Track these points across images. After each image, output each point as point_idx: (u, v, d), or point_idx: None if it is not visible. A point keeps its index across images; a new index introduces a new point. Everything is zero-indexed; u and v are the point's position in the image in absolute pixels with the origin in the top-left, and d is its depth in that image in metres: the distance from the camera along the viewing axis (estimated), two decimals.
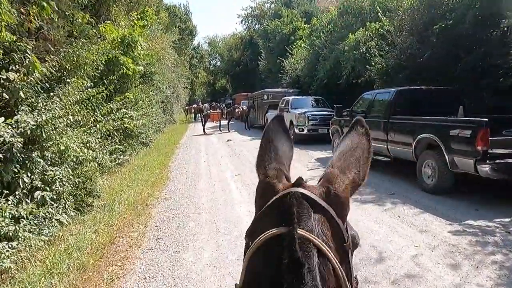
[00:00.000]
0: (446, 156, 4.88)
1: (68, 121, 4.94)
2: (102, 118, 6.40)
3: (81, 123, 5.75)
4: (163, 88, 14.85)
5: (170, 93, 19.25)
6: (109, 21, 8.06)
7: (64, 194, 4.59)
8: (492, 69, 7.02)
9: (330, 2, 21.36)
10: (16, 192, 3.68)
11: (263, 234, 0.54)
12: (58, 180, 4.60)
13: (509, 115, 5.68)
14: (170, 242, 4.05)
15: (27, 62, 4.20)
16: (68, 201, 4.78)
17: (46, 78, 4.88)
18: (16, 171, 3.90)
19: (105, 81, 6.42)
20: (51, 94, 4.84)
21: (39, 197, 4.21)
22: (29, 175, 4.11)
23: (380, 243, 3.57)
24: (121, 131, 7.63)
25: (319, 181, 0.64)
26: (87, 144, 5.36)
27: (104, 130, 6.28)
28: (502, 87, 6.70)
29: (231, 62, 45.09)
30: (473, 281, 2.82)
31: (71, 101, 5.13)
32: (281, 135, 0.76)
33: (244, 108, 19.49)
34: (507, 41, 6.90)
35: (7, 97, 4.02)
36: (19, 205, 3.87)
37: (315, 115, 11.82)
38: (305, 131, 11.52)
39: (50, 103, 4.70)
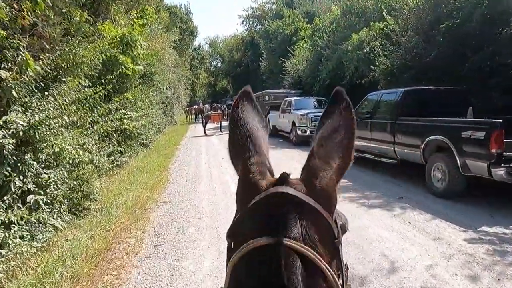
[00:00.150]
0: (458, 159, 4.67)
1: (64, 122, 4.76)
2: (100, 119, 6.21)
3: (78, 124, 5.57)
4: (163, 89, 14.70)
5: (171, 94, 19.11)
6: (108, 20, 7.88)
7: (58, 197, 4.40)
8: (501, 68, 6.83)
9: (332, 2, 21.17)
10: (5, 197, 3.48)
11: (247, 244, 0.51)
12: (53, 183, 4.42)
13: None
14: (169, 249, 3.85)
15: (19, 60, 4.01)
16: (63, 205, 4.59)
17: (40, 77, 4.69)
18: (8, 174, 3.70)
19: (103, 80, 6.22)
20: (46, 93, 4.65)
21: (32, 201, 4.04)
22: (21, 178, 3.93)
23: (392, 251, 3.36)
24: (119, 132, 7.44)
25: (302, 173, 0.59)
26: (84, 146, 5.17)
27: (102, 131, 6.09)
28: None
29: (232, 63, 44.99)
30: None
31: (67, 101, 4.94)
32: (253, 114, 0.67)
33: None
34: None
35: None
36: (10, 210, 3.69)
37: (317, 116, 11.58)
38: (308, 132, 11.29)
39: (44, 103, 4.52)
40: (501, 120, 4.26)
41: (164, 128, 17.01)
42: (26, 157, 4.05)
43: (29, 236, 3.78)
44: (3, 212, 3.43)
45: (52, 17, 5.25)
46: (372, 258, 3.22)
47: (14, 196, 3.63)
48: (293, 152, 9.61)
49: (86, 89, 5.48)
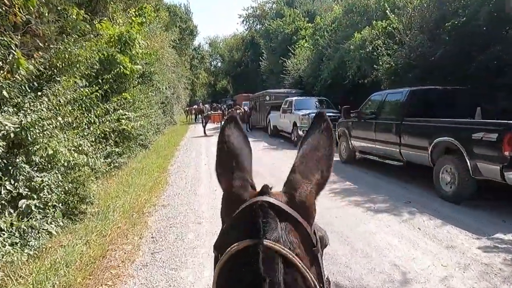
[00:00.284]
0: (468, 162, 4.48)
1: (58, 123, 4.58)
2: (97, 119, 6.02)
3: (74, 125, 5.39)
4: (163, 89, 14.53)
5: (170, 94, 18.93)
6: (105, 18, 7.69)
7: (52, 201, 4.22)
8: (508, 67, 6.64)
9: (333, 1, 20.98)
10: None
11: (229, 248, 0.54)
12: (47, 186, 4.24)
13: None
14: (167, 256, 3.67)
15: (10, 58, 3.83)
16: (57, 209, 4.42)
17: (34, 77, 4.51)
18: None
19: (99, 80, 6.04)
20: (39, 93, 4.47)
21: (24, 206, 3.86)
22: (13, 182, 3.75)
23: (402, 261, 3.17)
24: (117, 133, 7.26)
25: (283, 187, 0.63)
26: (79, 148, 4.98)
27: (99, 132, 5.90)
28: None
29: (232, 63, 44.84)
30: None
31: (62, 101, 4.76)
32: (238, 135, 0.73)
33: (246, 109, 19.16)
34: None
35: None
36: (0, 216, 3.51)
37: None
38: None
39: (38, 103, 4.33)
40: None
41: (164, 128, 16.86)
42: (17, 160, 3.88)
43: (19, 244, 3.60)
44: None
45: (47, 14, 5.07)
46: (382, 268, 3.04)
47: (3, 202, 3.43)
48: (294, 153, 9.10)
49: (81, 88, 5.29)
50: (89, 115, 5.79)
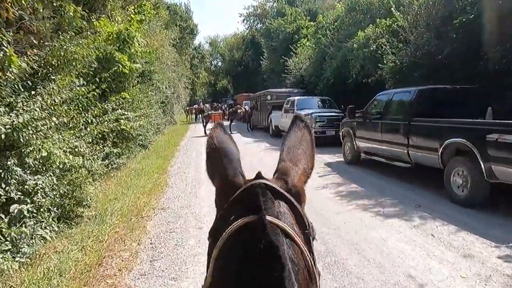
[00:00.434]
0: (482, 164, 4.28)
1: (53, 124, 4.38)
2: (94, 119, 5.82)
3: (70, 126, 5.19)
4: (163, 88, 14.34)
5: (171, 93, 18.73)
6: (104, 15, 7.49)
7: (46, 205, 4.02)
8: None
9: None
10: None
11: (232, 225, 0.54)
12: (41, 190, 4.05)
13: None
14: (167, 265, 3.48)
15: (1, 55, 3.63)
16: (52, 213, 4.23)
17: (28, 75, 4.32)
18: None
19: (97, 79, 5.84)
20: (33, 93, 4.27)
21: (15, 211, 3.66)
22: (3, 186, 3.56)
23: (418, 271, 2.97)
24: (115, 133, 7.06)
25: (274, 175, 0.67)
26: (75, 149, 4.79)
27: (96, 133, 5.70)
28: None
29: (233, 62, 44.67)
30: None
31: (57, 101, 4.56)
32: (225, 139, 0.76)
33: (247, 109, 18.96)
34: None
35: None
36: None
37: (322, 116, 11.24)
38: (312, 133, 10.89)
39: (31, 102, 4.13)
40: None
41: (164, 128, 16.69)
42: (9, 162, 3.68)
43: (11, 251, 3.41)
44: None
45: (41, 10, 4.87)
46: (397, 280, 2.83)
47: None
48: None
49: (78, 87, 5.09)
50: (86, 115, 5.59)
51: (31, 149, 4.01)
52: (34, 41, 4.63)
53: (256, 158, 9.58)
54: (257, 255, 0.47)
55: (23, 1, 4.00)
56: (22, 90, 4.22)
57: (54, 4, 5.37)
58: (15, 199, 3.71)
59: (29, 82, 4.39)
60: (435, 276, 2.88)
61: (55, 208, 4.31)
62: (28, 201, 3.84)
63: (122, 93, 7.41)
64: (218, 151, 0.72)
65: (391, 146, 6.26)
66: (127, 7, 8.70)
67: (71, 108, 5.23)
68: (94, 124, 5.82)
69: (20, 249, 3.54)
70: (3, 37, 3.82)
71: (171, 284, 3.08)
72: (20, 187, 3.85)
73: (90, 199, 5.19)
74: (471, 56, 7.33)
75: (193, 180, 7.12)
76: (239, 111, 18.99)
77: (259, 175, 0.62)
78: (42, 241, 3.90)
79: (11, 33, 4.12)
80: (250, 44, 37.69)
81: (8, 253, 3.37)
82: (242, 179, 0.65)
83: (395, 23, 10.15)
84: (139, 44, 7.98)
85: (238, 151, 0.75)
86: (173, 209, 5.28)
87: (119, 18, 8.20)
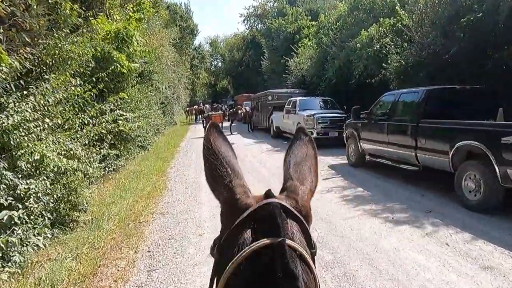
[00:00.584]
0: (497, 168, 4.07)
1: (46, 125, 4.18)
2: (91, 120, 5.62)
3: (66, 127, 5.00)
4: (162, 88, 14.16)
5: (170, 94, 18.56)
6: (101, 14, 7.29)
7: (38, 211, 3.82)
8: None
9: None
10: None
11: (248, 247, 0.52)
12: (33, 194, 3.85)
13: None
14: (165, 275, 3.27)
15: None
16: (46, 219, 4.03)
17: (20, 74, 4.12)
18: None
19: (93, 79, 5.64)
20: (25, 93, 4.07)
21: (5, 218, 3.47)
22: None
23: (435, 285, 2.76)
24: (114, 134, 6.86)
25: (281, 192, 0.66)
26: (70, 152, 4.58)
27: (93, 134, 5.50)
28: None
29: (233, 63, 44.52)
30: None
31: (51, 101, 4.36)
32: (223, 143, 0.74)
33: (248, 110, 18.76)
34: None
35: None
36: None
37: (325, 117, 11.03)
38: (314, 134, 10.67)
39: (23, 103, 3.93)
40: None
41: (164, 129, 16.51)
42: None
43: (0, 260, 3.21)
44: None
45: (35, 6, 4.68)
46: None
47: None
48: None
49: (73, 87, 4.89)
50: (83, 116, 5.39)
51: (22, 152, 3.82)
52: (27, 39, 4.43)
53: (257, 159, 9.38)
54: (275, 280, 0.47)
55: None
56: (14, 90, 4.03)
57: (50, 1, 5.18)
58: (5, 205, 3.51)
59: (21, 81, 4.20)
60: None
61: (49, 214, 4.12)
62: (20, 206, 3.66)
63: (120, 93, 7.21)
64: (220, 160, 0.69)
65: (398, 148, 6.06)
66: (126, 5, 8.52)
67: (66, 109, 5.04)
68: (91, 125, 5.62)
69: (11, 258, 3.36)
70: None
71: None
72: (11, 192, 3.66)
73: (86, 203, 5.00)
74: (479, 55, 7.15)
75: (193, 183, 6.92)
76: (239, 111, 18.80)
77: (270, 194, 0.60)
78: (35, 247, 3.72)
79: (2, 30, 3.93)
80: (251, 44, 37.51)
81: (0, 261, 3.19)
82: (251, 198, 0.63)
83: (400, 22, 9.97)
84: (137, 43, 7.79)
85: (235, 157, 0.74)
86: (172, 214, 5.08)
87: (117, 16, 8.01)
